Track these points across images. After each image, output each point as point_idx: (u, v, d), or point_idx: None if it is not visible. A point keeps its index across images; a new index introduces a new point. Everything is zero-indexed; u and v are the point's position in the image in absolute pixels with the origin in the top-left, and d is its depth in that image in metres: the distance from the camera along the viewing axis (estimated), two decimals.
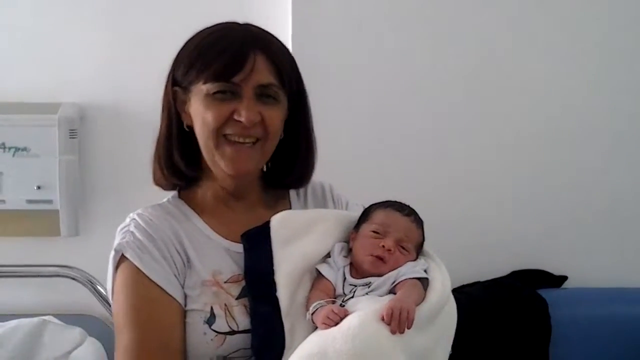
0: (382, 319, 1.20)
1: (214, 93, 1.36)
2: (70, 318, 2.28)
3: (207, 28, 1.44)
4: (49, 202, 2.34)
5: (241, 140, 1.37)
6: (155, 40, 2.43)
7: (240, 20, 1.46)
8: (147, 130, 2.43)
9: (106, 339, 2.35)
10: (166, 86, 1.47)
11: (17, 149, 2.32)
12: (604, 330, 2.33)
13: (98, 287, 2.33)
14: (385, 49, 2.40)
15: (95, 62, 2.43)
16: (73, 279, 2.34)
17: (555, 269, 2.49)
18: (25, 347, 2.06)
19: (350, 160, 2.35)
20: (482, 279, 2.39)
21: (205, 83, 1.36)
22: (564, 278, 2.48)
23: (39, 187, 2.33)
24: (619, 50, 2.46)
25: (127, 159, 2.46)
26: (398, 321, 1.19)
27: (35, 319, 2.13)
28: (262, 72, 1.36)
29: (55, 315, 2.24)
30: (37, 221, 2.37)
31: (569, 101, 2.46)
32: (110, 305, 2.30)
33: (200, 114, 1.38)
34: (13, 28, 2.41)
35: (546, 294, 2.36)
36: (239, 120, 1.35)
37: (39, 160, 2.33)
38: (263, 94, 1.37)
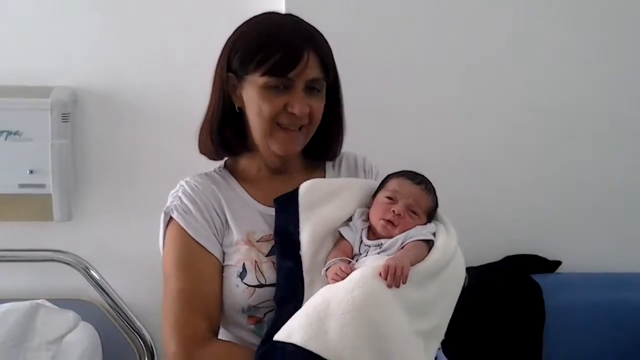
0: (380, 275, 1.34)
1: (270, 86, 1.50)
2: (64, 303, 2.28)
3: (261, 18, 1.58)
4: (42, 186, 2.33)
5: (291, 127, 1.54)
6: (149, 25, 2.42)
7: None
8: (140, 114, 2.45)
9: (100, 323, 2.36)
10: (217, 69, 1.60)
11: (9, 133, 2.30)
12: (597, 315, 2.34)
13: (91, 271, 2.33)
14: (384, 38, 2.39)
15: (88, 46, 2.41)
16: (66, 263, 2.34)
17: (549, 254, 2.50)
18: (18, 331, 2.06)
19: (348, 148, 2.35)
20: (476, 264, 2.40)
21: (262, 75, 1.50)
22: (557, 263, 2.49)
23: (31, 172, 2.32)
24: (616, 42, 2.46)
25: (120, 142, 2.45)
26: (393, 276, 1.33)
27: (28, 303, 2.12)
28: (312, 68, 1.51)
29: (49, 300, 2.24)
30: (30, 206, 2.36)
31: (565, 91, 2.47)
32: (103, 290, 2.34)
33: (256, 103, 1.52)
34: (5, 11, 2.39)
35: (540, 279, 2.37)
36: (292, 112, 1.51)
37: (32, 144, 2.31)
38: (310, 87, 1.53)
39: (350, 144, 2.34)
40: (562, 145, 2.48)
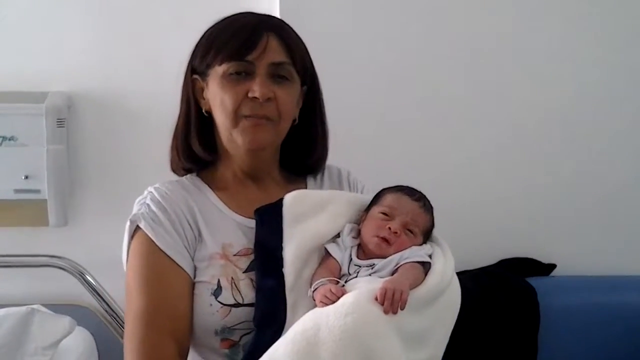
0: (376, 299, 1.23)
1: (230, 74, 1.42)
2: (60, 308, 2.27)
3: (223, 18, 1.51)
4: (37, 191, 2.33)
5: (256, 117, 1.42)
6: (145, 29, 2.43)
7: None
8: (136, 120, 2.45)
9: (95, 328, 2.36)
10: (185, 76, 1.53)
11: (4, 139, 2.30)
12: (592, 318, 2.34)
13: (87, 276, 2.33)
14: (381, 39, 2.39)
15: (83, 51, 2.41)
16: (62, 268, 2.33)
17: (544, 257, 2.50)
18: (13, 337, 2.06)
19: (345, 152, 2.35)
20: (471, 268, 2.40)
21: (221, 64, 1.42)
22: (552, 266, 2.49)
23: (26, 177, 2.32)
24: (616, 42, 2.45)
25: (115, 148, 2.45)
26: (391, 301, 1.22)
27: (24, 308, 2.12)
28: (275, 51, 1.42)
29: (44, 305, 2.23)
30: (25, 211, 2.36)
31: (562, 93, 2.46)
32: (99, 296, 2.33)
33: (218, 96, 1.43)
34: None
35: (535, 282, 2.37)
36: (253, 96, 1.40)
37: (27, 150, 2.31)
38: (276, 74, 1.43)
39: (349, 149, 2.36)
40: (557, 149, 2.48)
